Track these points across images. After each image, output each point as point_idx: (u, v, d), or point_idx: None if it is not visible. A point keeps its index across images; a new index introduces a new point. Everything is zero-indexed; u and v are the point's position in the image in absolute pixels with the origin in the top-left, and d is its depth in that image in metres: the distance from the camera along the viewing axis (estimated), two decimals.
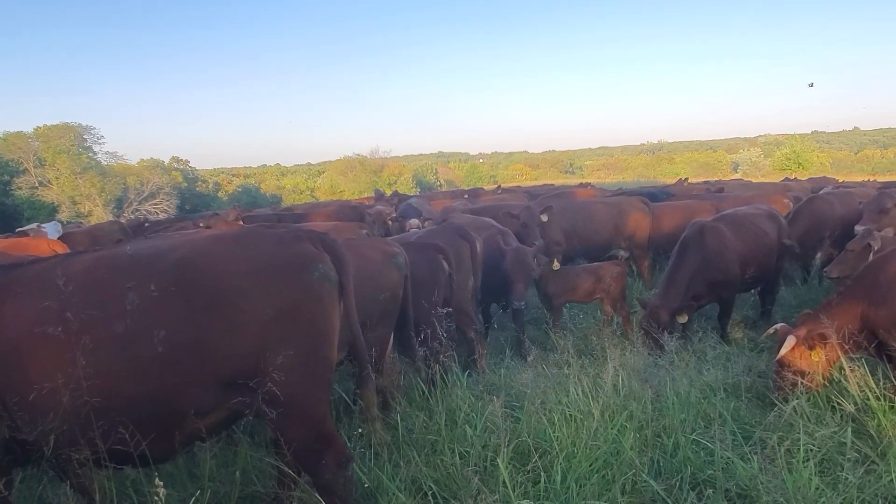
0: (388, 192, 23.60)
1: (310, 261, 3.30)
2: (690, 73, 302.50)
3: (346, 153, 60.80)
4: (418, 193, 33.19)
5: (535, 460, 4.02)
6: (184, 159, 48.35)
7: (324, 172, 64.30)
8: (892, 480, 3.73)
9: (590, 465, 4.03)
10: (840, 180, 21.86)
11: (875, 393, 4.42)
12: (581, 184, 19.59)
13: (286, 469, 3.64)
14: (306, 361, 3.25)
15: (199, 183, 47.59)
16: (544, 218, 8.90)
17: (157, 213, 33.17)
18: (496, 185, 26.14)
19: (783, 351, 4.87)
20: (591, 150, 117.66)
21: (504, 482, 3.87)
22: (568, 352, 5.24)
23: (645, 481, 3.94)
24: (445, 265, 5.64)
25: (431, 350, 5.20)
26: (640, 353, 5.98)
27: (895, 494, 3.61)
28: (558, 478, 3.92)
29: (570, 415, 4.44)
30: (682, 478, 3.97)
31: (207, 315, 3.09)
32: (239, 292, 3.12)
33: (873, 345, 4.85)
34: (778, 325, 5.24)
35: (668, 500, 3.77)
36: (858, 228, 7.08)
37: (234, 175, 70.16)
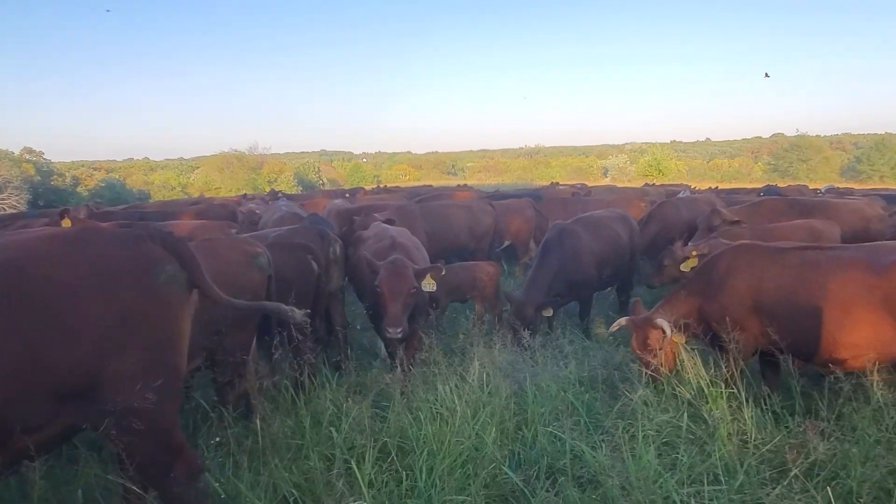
0: (268, 190, 22.80)
1: (155, 262, 3.10)
2: (565, 80, 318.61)
3: (222, 149, 58.33)
4: (300, 192, 32.36)
5: (394, 459, 4.06)
6: (37, 150, 43.88)
7: (198, 168, 61.05)
8: (719, 458, 4.12)
9: (452, 462, 4.12)
10: (693, 186, 23.92)
11: (707, 381, 4.85)
12: (459, 186, 19.99)
13: (131, 486, 3.40)
14: (151, 369, 3.04)
15: (55, 177, 43.32)
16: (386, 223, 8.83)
17: (5, 209, 29.77)
18: (376, 185, 26.05)
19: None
20: (472, 153, 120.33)
21: (369, 483, 3.87)
22: (434, 350, 5.31)
23: (505, 474, 4.09)
24: (314, 265, 5.53)
25: (299, 352, 5.08)
26: (506, 350, 6.19)
27: (719, 471, 3.98)
28: (423, 476, 3.98)
29: (436, 412, 4.51)
30: (538, 468, 4.16)
31: (37, 323, 2.82)
32: (73, 297, 2.87)
33: (708, 336, 5.34)
34: (623, 319, 5.61)
35: (526, 491, 3.94)
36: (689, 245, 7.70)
37: (95, 169, 64.63)
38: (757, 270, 5.13)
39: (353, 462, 3.92)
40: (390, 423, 4.50)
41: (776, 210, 9.22)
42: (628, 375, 5.46)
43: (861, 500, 3.71)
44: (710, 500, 3.77)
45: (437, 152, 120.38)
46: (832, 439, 4.10)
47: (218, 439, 4.24)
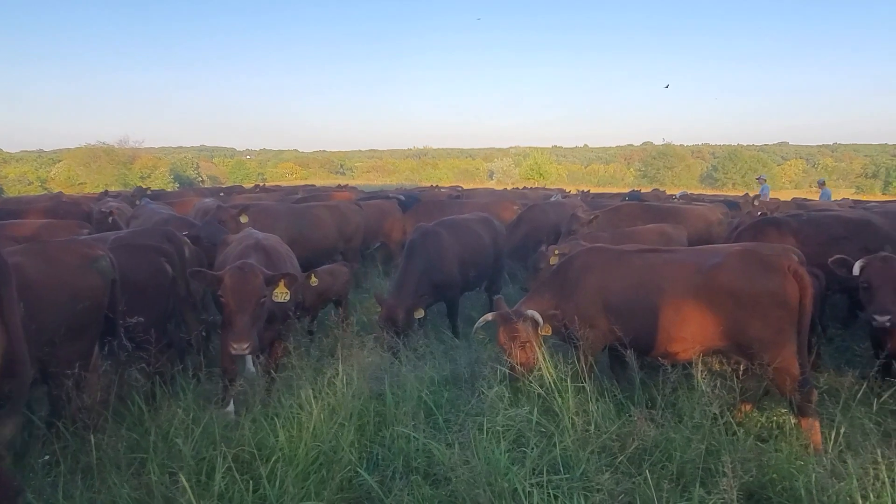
0: (144, 186, 21.30)
1: None
2: (453, 83, 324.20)
3: (88, 141, 53.81)
4: (177, 189, 30.51)
5: (249, 468, 3.95)
6: None
7: (60, 161, 55.96)
8: (565, 448, 4.38)
9: (307, 467, 4.09)
10: (568, 190, 25.17)
11: (556, 376, 5.10)
12: (339, 186, 19.74)
13: None
14: None
15: None
16: (244, 219, 8.52)
17: None
18: (254, 184, 25.10)
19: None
20: (361, 153, 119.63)
21: (219, 494, 3.75)
22: (300, 353, 5.24)
23: (361, 476, 4.11)
24: (168, 268, 5.25)
25: (151, 360, 4.82)
26: (374, 352, 6.21)
27: (562, 461, 4.23)
28: (276, 483, 3.91)
29: (294, 417, 4.45)
30: (394, 468, 4.22)
31: None
32: None
33: (564, 333, 5.63)
34: (489, 315, 5.79)
35: (380, 491, 3.98)
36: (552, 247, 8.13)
37: None
38: (605, 271, 5.48)
39: (210, 473, 3.79)
40: (245, 431, 4.37)
41: (633, 214, 9.92)
42: (488, 373, 5.63)
43: (683, 479, 4.10)
44: (555, 488, 4.00)
45: (325, 151, 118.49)
46: (662, 426, 4.47)
47: (47, 456, 3.93)
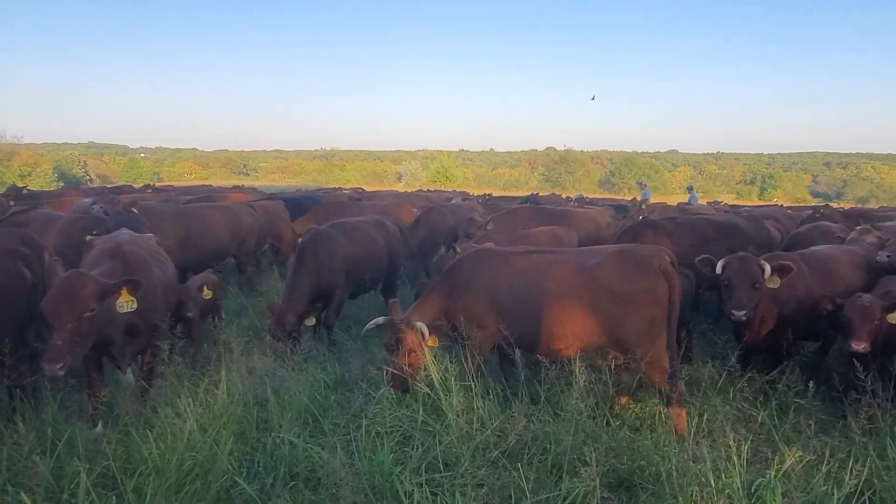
0: (21, 185, 19.54)
1: None
2: (362, 85, 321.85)
3: None
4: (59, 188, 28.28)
5: (118, 483, 3.74)
6: None
7: None
8: (449, 445, 4.46)
9: (183, 478, 3.93)
10: (472, 193, 25.61)
11: (442, 376, 5.17)
12: (235, 187, 19.04)
13: None
14: None
15: None
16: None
17: None
18: (144, 184, 23.73)
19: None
20: (265, 153, 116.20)
21: None
22: (171, 362, 4.99)
23: (240, 485, 3.99)
24: (27, 272, 4.86)
25: (8, 372, 4.45)
26: (262, 356, 6.06)
27: (447, 458, 4.30)
28: (147, 497, 3.73)
29: (168, 427, 4.26)
30: (276, 475, 4.13)
31: None
32: None
33: (454, 333, 5.72)
34: (380, 319, 5.79)
35: (259, 500, 3.89)
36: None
37: None
38: (492, 273, 5.60)
39: (73, 491, 3.55)
40: (114, 445, 4.14)
41: (527, 217, 10.25)
42: (374, 374, 5.64)
43: (559, 470, 4.27)
44: (437, 486, 4.06)
45: (226, 150, 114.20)
46: (541, 421, 4.64)
47: None
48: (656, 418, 5.21)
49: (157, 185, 25.04)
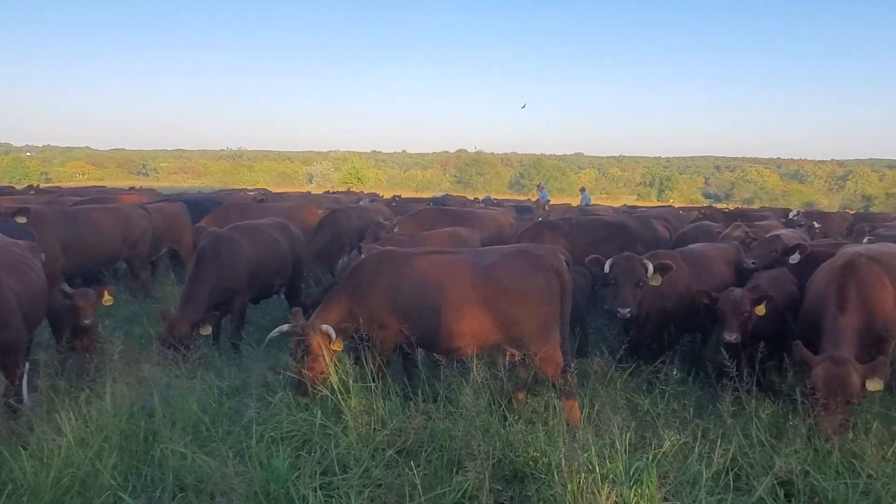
0: None
1: None
2: (270, 84, 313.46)
3: None
4: None
5: None
6: None
7: None
8: (348, 447, 4.46)
9: (61, 496, 3.72)
10: (383, 195, 25.54)
11: (341, 378, 5.16)
12: (131, 188, 18.01)
13: None
14: None
15: None
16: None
17: None
18: (28, 185, 21.97)
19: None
20: (167, 152, 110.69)
21: None
22: (45, 374, 4.72)
23: (125, 500, 3.83)
24: None
25: None
26: (155, 364, 5.81)
27: (346, 460, 4.31)
28: None
29: (42, 444, 4.02)
30: (163, 488, 3.99)
31: None
32: None
33: (358, 335, 5.71)
34: (284, 326, 5.69)
35: None
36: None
37: None
38: (394, 274, 5.65)
39: None
40: None
41: (432, 219, 10.37)
42: (271, 380, 5.55)
43: (455, 466, 4.38)
44: (335, 488, 4.06)
45: (123, 149, 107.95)
46: (438, 419, 4.73)
47: None
48: (550, 411, 5.44)
49: (43, 185, 23.25)
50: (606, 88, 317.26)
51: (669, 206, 28.26)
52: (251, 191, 19.05)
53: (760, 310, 5.75)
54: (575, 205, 20.87)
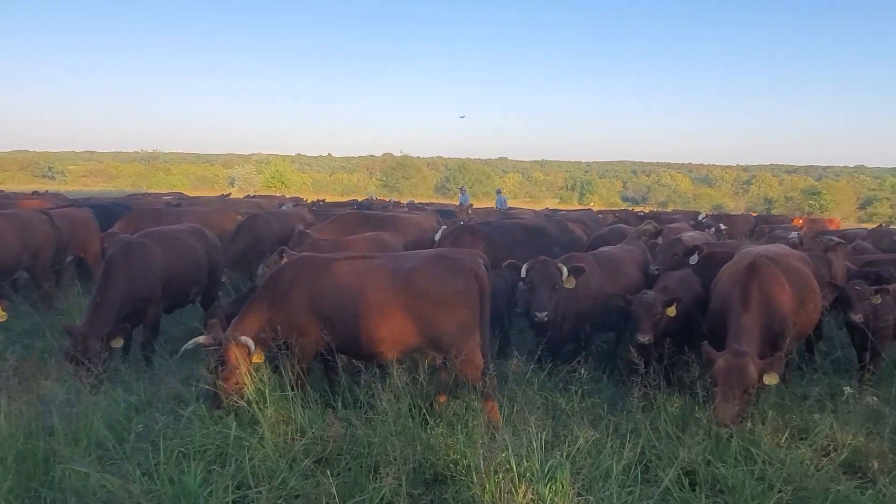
0: None
1: None
2: (188, 83, 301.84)
3: None
4: None
5: None
6: None
7: None
8: (264, 458, 4.37)
9: None
10: (307, 199, 25.07)
11: (254, 387, 5.04)
12: (35, 192, 16.82)
13: None
14: None
15: None
16: None
17: None
18: None
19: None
20: (75, 154, 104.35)
21: None
22: None
23: None
24: None
25: None
26: (58, 381, 5.50)
27: (262, 472, 4.22)
28: None
29: None
30: None
31: None
32: None
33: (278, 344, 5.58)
34: (200, 338, 5.46)
35: None
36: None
37: None
38: (313, 280, 5.57)
39: None
40: None
41: (354, 223, 10.28)
42: (183, 392, 5.35)
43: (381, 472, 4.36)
44: (252, 501, 3.97)
45: (26, 151, 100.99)
46: (356, 424, 4.71)
47: None
48: (471, 413, 5.51)
49: None
50: (530, 94, 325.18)
51: (588, 209, 29.24)
52: (166, 195, 18.19)
53: (671, 311, 6.03)
54: (497, 208, 21.26)
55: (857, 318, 6.38)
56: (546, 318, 6.05)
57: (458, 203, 22.24)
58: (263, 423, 4.60)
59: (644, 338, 5.88)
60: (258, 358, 5.29)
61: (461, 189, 25.72)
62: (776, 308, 5.72)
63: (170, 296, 7.19)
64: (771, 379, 5.07)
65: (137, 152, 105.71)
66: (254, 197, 20.31)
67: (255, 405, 4.77)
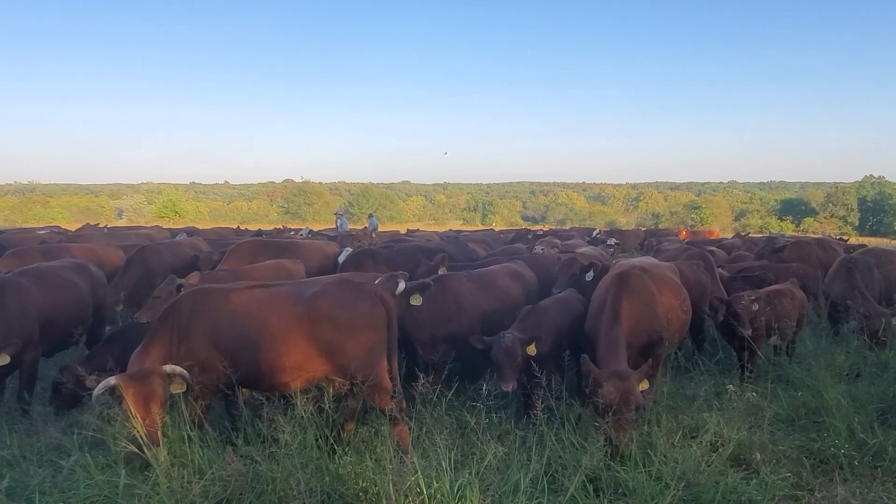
0: None
1: None
2: (66, 110, 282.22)
3: None
4: None
5: None
6: None
7: None
8: (160, 501, 4.10)
9: None
10: (200, 226, 24.02)
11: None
12: None
13: None
14: None
15: None
16: None
17: None
18: None
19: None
20: None
21: None
22: None
23: None
24: None
25: None
26: None
27: None
28: None
29: None
30: None
31: None
32: None
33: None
34: (112, 379, 4.99)
35: None
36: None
37: None
38: (213, 312, 5.29)
39: None
40: None
41: (254, 251, 9.94)
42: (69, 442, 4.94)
43: None
44: None
45: None
46: (258, 459, 4.53)
47: None
48: (380, 438, 5.43)
49: None
50: (428, 117, 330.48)
51: (490, 229, 29.97)
52: (41, 229, 16.73)
53: (531, 350, 5.80)
54: (403, 231, 21.32)
55: (748, 333, 6.86)
56: None
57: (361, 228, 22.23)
58: (156, 467, 4.30)
59: (508, 386, 5.65)
60: (178, 388, 4.92)
61: (370, 215, 25.70)
62: (648, 317, 5.97)
63: (49, 338, 6.60)
64: (644, 385, 5.28)
65: (10, 184, 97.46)
66: (148, 229, 19.04)
67: (146, 448, 4.45)
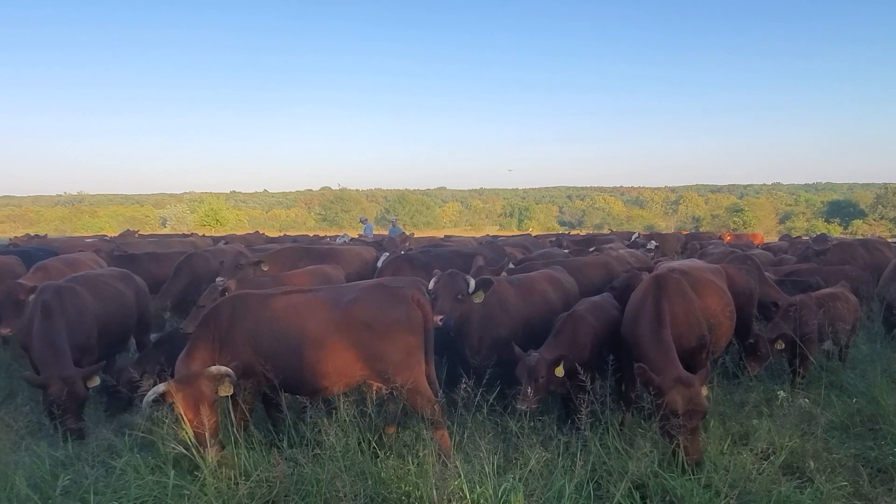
0: None
1: None
2: (113, 123, 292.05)
3: None
4: None
5: None
6: None
7: None
8: (208, 502, 4.16)
9: None
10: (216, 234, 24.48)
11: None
12: None
13: None
14: None
15: None
16: None
17: None
18: None
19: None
20: None
21: None
22: None
23: None
24: None
25: None
26: None
27: None
28: None
29: None
30: None
31: None
32: None
33: None
34: (161, 386, 5.07)
35: None
36: (220, 280, 7.89)
37: None
38: (252, 317, 5.37)
39: None
40: None
41: (294, 257, 10.09)
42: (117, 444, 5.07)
43: None
44: None
45: None
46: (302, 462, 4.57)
47: None
48: (421, 442, 5.42)
49: None
50: (465, 124, 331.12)
51: (527, 234, 29.77)
52: (89, 238, 17.31)
53: (559, 371, 5.64)
54: (440, 236, 21.37)
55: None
56: (440, 323, 6.04)
57: (362, 233, 22.44)
58: (204, 468, 4.38)
59: (522, 405, 5.41)
60: (227, 390, 5.00)
61: (391, 220, 25.60)
62: (690, 320, 5.83)
63: (102, 345, 6.80)
64: (705, 390, 5.15)
65: (60, 195, 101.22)
66: (192, 236, 19.57)
67: (194, 450, 4.54)
